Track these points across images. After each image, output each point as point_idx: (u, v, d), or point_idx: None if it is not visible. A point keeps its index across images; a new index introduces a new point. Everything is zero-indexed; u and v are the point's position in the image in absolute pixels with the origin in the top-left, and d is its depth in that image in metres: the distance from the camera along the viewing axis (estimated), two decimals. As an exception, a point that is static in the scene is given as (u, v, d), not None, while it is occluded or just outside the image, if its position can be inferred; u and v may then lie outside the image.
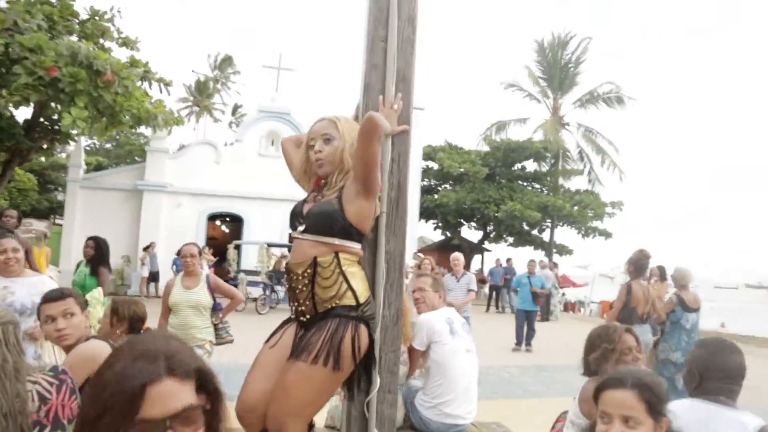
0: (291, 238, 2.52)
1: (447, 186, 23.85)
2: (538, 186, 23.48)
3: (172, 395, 0.99)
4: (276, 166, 17.47)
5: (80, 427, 1.05)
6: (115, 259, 12.25)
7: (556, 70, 22.72)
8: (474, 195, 21.00)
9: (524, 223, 21.63)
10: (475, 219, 24.30)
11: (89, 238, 6.21)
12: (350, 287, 2.22)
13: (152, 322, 3.78)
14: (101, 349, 2.86)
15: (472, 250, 25.87)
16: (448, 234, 25.42)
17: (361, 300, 2.23)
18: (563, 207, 20.41)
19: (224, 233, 22.58)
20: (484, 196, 20.97)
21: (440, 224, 24.75)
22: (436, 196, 22.39)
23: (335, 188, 2.31)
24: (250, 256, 16.20)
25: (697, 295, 6.92)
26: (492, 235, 24.70)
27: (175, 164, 17.09)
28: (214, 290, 4.86)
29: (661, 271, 11.52)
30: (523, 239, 24.16)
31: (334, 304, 2.20)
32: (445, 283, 7.89)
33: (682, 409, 2.33)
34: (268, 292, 14.13)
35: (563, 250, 24.00)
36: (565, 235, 23.86)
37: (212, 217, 18.73)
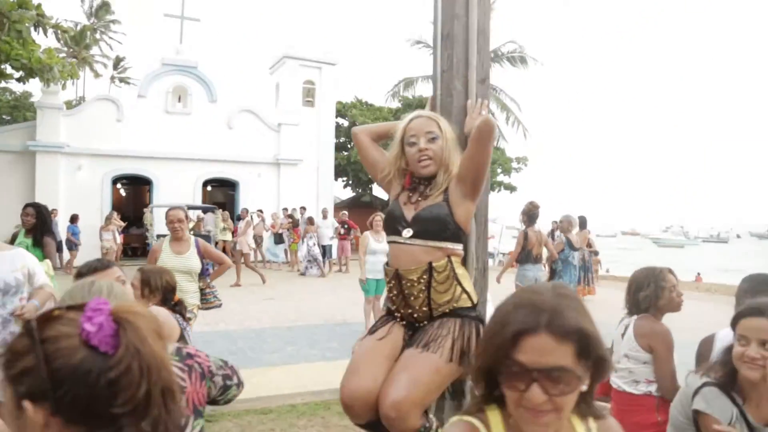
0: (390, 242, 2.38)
1: (357, 143, 23.78)
2: (445, 142, 24.07)
3: (545, 350, 1.00)
4: (185, 123, 16.49)
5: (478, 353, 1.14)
6: (8, 229, 11.00)
7: (462, 28, 23.07)
8: (389, 152, 21.13)
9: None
10: (383, 176, 24.52)
11: (27, 205, 5.50)
12: (464, 290, 2.24)
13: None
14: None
15: (383, 207, 26.24)
16: (360, 191, 25.53)
17: (475, 301, 2.26)
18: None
19: (131, 197, 21.04)
20: (397, 152, 21.19)
21: (350, 182, 24.74)
22: (345, 154, 22.29)
23: (439, 189, 2.26)
24: (162, 220, 15.22)
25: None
26: (400, 192, 25.13)
27: (72, 122, 15.47)
28: (203, 255, 4.68)
29: (582, 220, 12.42)
30: (430, 194, 24.83)
31: (451, 308, 2.20)
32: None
33: (728, 335, 2.63)
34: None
35: (469, 204, 25.02)
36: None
37: (117, 180, 17.33)
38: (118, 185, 19.95)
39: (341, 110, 21.86)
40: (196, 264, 4.53)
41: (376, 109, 22.46)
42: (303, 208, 16.44)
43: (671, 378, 2.92)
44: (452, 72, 2.50)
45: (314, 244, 14.28)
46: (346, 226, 15.20)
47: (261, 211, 16.31)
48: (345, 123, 22.98)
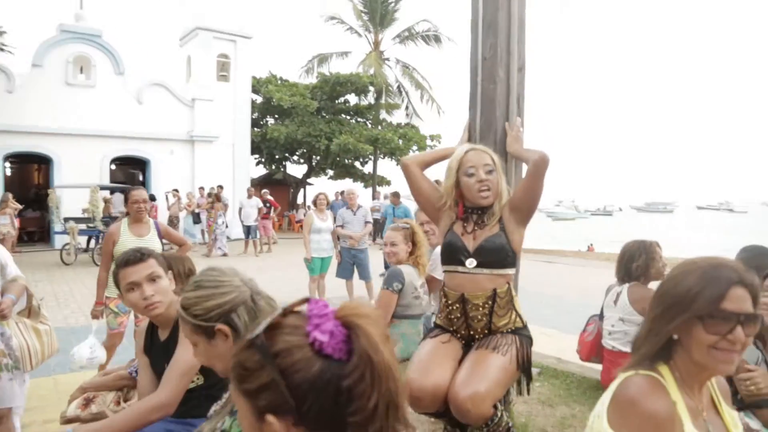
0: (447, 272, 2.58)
1: (271, 120, 23.20)
2: (361, 120, 24.07)
3: (745, 300, 1.24)
4: (89, 96, 15.21)
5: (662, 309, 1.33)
6: None
7: (377, 5, 23.00)
8: (305, 129, 20.80)
9: (351, 156, 22.15)
10: (298, 153, 24.18)
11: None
12: (518, 314, 2.47)
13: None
14: None
15: (297, 184, 25.85)
16: (274, 168, 24.98)
17: (525, 323, 2.49)
18: (392, 140, 21.36)
19: (16, 177, 19.11)
20: (315, 129, 20.90)
21: (264, 159, 24.13)
22: (257, 130, 21.67)
23: (495, 218, 2.43)
24: (67, 202, 14.05)
25: None
26: (314, 170, 24.94)
27: (-48, 94, 13.76)
28: (163, 237, 4.44)
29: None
30: (344, 172, 24.83)
31: (508, 329, 2.43)
32: (342, 216, 7.99)
33: None
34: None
35: (382, 181, 25.29)
36: (384, 166, 25.06)
37: (9, 158, 15.70)
38: (6, 164, 18.13)
39: (255, 86, 21.16)
40: (158, 247, 4.27)
41: (292, 85, 21.95)
42: (220, 187, 15.84)
43: None
44: (495, 60, 2.56)
45: (222, 223, 13.80)
46: (267, 204, 14.85)
47: (176, 190, 15.54)
48: (259, 99, 22.29)
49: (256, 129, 21.74)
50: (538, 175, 2.36)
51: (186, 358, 1.89)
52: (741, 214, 79.18)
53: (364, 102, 23.98)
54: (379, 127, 23.18)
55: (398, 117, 25.00)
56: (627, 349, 3.22)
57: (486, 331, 2.42)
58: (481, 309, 2.39)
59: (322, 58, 24.18)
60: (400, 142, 22.31)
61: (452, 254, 2.44)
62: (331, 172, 25.68)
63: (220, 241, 13.68)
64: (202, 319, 1.41)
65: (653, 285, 3.36)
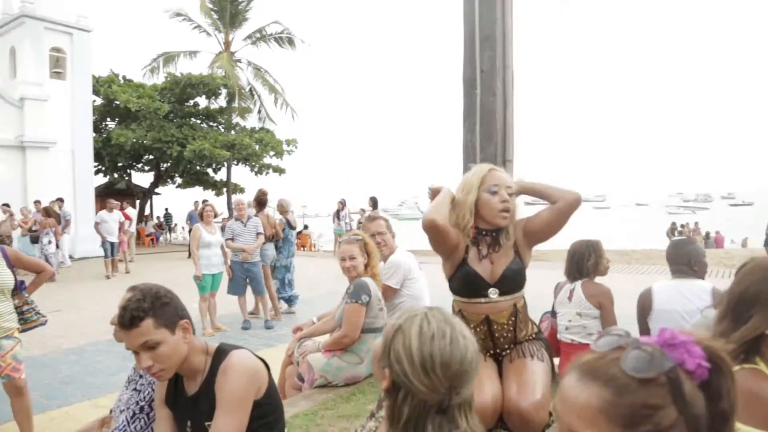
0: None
1: (112, 124, 21.14)
2: (213, 124, 22.94)
3: None
4: None
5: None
6: None
7: (227, 3, 22.08)
8: (155, 134, 19.26)
9: (206, 163, 21.03)
10: (144, 160, 22.37)
11: None
12: (532, 322, 2.62)
13: None
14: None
15: (145, 194, 23.89)
16: (116, 176, 22.80)
17: (538, 327, 2.65)
18: (249, 145, 20.64)
19: None
20: (167, 135, 19.46)
21: (105, 167, 21.91)
22: (97, 135, 19.56)
23: (510, 241, 2.45)
24: None
25: (296, 218, 9.66)
26: (162, 178, 23.28)
27: None
28: (14, 265, 3.65)
29: (373, 201, 13.28)
30: (195, 180, 23.51)
31: (531, 337, 2.54)
32: (231, 228, 7.58)
33: (663, 286, 3.38)
34: None
35: (236, 188, 24.36)
36: (238, 173, 24.17)
37: None
38: None
39: (95, 86, 19.08)
40: (8, 279, 3.54)
41: (138, 85, 20.19)
42: (60, 200, 14.09)
43: (615, 325, 3.55)
44: (494, 72, 2.60)
45: (49, 242, 12.25)
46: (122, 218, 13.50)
47: (7, 205, 13.46)
48: (98, 100, 20.14)
49: (95, 134, 19.61)
50: (567, 214, 2.40)
51: (233, 426, 1.74)
52: (604, 209, 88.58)
53: (215, 105, 22.91)
54: (233, 132, 22.29)
55: (251, 121, 24.28)
56: (586, 341, 3.48)
57: (512, 345, 2.47)
58: (506, 326, 2.45)
59: (169, 58, 22.62)
60: (257, 147, 21.65)
61: (472, 287, 2.42)
62: (179, 180, 24.13)
63: (50, 261, 12.00)
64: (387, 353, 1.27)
65: (599, 280, 3.67)
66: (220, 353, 1.88)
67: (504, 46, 2.65)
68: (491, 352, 2.49)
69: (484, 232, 2.42)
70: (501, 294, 2.41)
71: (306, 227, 24.45)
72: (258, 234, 7.75)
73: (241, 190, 24.60)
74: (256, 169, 23.02)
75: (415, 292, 4.04)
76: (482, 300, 2.41)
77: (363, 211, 16.19)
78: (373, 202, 13.32)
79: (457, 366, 1.19)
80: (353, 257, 3.59)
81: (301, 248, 22.89)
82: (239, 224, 7.69)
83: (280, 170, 23.98)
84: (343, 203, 16.96)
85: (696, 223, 26.75)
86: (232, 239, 7.51)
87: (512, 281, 2.43)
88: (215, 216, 7.93)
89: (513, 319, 2.45)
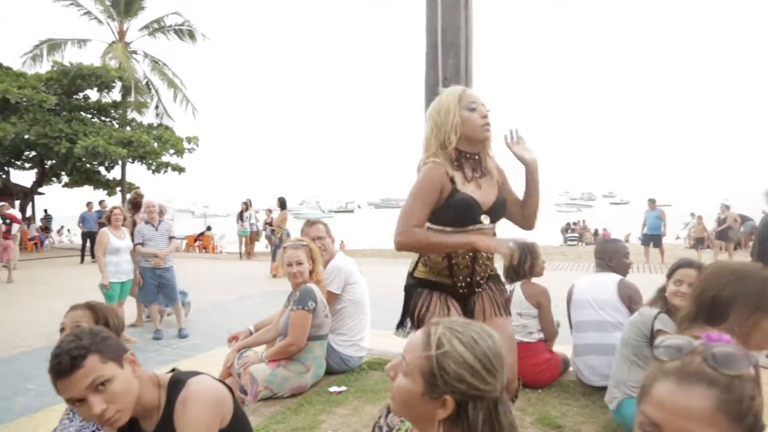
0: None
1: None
2: (106, 119, 21.42)
3: None
4: None
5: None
6: None
7: (122, -10, 20.70)
8: (39, 128, 17.62)
9: (99, 161, 19.58)
10: (25, 157, 20.43)
11: None
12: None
13: None
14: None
15: (26, 194, 21.81)
16: (-7, 175, 20.64)
17: None
18: (148, 142, 19.49)
19: None
20: (53, 129, 17.88)
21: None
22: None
23: (492, 172, 2.40)
24: None
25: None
26: (46, 177, 21.39)
27: None
28: None
29: (281, 201, 13.06)
30: (84, 179, 21.85)
31: (492, 271, 2.50)
32: (141, 232, 7.14)
33: (583, 280, 3.71)
34: None
35: (131, 188, 22.94)
36: (133, 171, 22.74)
37: None
38: None
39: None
40: None
41: (19, 74, 18.35)
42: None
43: (552, 323, 3.75)
44: (457, 80, 2.63)
45: None
46: (8, 220, 12.26)
47: None
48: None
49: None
50: (517, 222, 2.53)
51: None
52: None
53: (108, 99, 21.38)
54: (128, 128, 20.94)
55: (148, 117, 22.93)
56: (527, 339, 3.63)
57: (486, 275, 2.41)
58: (486, 256, 2.37)
59: (54, 45, 20.79)
60: (156, 144, 20.49)
61: (467, 214, 2.27)
62: (66, 179, 22.29)
63: None
64: (443, 375, 1.20)
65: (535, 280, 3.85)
66: (176, 384, 1.71)
67: (467, 53, 2.70)
68: (463, 282, 2.35)
69: (467, 155, 2.32)
70: (491, 221, 2.35)
71: (209, 228, 23.58)
72: (171, 238, 7.36)
73: (137, 189, 23.18)
74: (153, 168, 21.75)
75: (356, 296, 4.00)
76: (476, 227, 2.29)
77: (269, 211, 15.82)
78: (281, 203, 13.06)
79: (503, 352, 1.23)
80: (300, 262, 3.50)
81: (203, 250, 22.02)
82: (150, 228, 7.24)
83: (179, 169, 22.80)
84: (247, 204, 16.51)
85: (584, 221, 28.88)
86: (142, 244, 7.06)
87: (501, 210, 2.39)
88: (125, 220, 7.39)
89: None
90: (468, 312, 2.39)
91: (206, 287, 10.49)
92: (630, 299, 3.43)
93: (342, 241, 24.72)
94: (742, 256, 14.56)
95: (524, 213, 2.46)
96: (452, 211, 2.26)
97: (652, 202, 14.66)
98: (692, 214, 19.69)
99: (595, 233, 24.49)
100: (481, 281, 2.41)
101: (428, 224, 2.29)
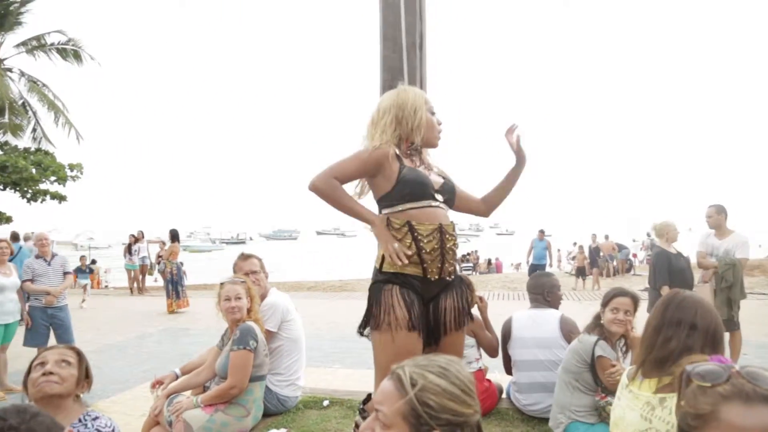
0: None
1: None
2: (-29, 141, 19.32)
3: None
4: None
5: None
6: None
7: (-5, 2, 18.95)
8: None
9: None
10: None
11: None
12: None
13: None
14: None
15: None
16: None
17: None
18: (25, 167, 17.79)
19: None
20: None
21: None
22: None
23: (435, 166, 2.55)
24: None
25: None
26: None
27: None
28: None
29: (173, 233, 12.47)
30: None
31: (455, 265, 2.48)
32: (31, 267, 6.52)
33: (520, 315, 3.82)
34: None
35: (2, 217, 20.75)
36: (4, 199, 20.58)
37: None
38: None
39: None
40: None
41: None
42: None
43: (491, 341, 3.83)
44: (414, 79, 2.71)
45: None
46: None
47: None
48: None
49: None
50: (475, 213, 2.68)
51: None
52: (351, 237, 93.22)
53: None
54: (1, 151, 19.02)
55: (24, 141, 20.93)
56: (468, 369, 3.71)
57: (454, 264, 2.40)
58: (453, 239, 2.37)
59: None
60: (33, 170, 18.77)
61: (423, 186, 2.33)
62: None
63: None
64: (428, 411, 1.17)
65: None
66: None
67: (422, 53, 2.82)
68: (433, 269, 2.30)
69: (414, 151, 2.46)
70: (444, 202, 2.41)
71: (93, 262, 21.75)
72: (65, 273, 6.74)
73: (8, 219, 20.98)
74: (29, 196, 19.84)
75: (293, 334, 3.88)
76: (432, 203, 2.33)
77: (163, 243, 14.97)
78: (172, 235, 12.45)
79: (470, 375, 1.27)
80: (239, 297, 3.35)
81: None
82: (41, 262, 6.61)
83: (60, 197, 20.97)
84: (136, 236, 15.52)
85: (476, 251, 30.20)
86: (31, 280, 6.39)
87: (451, 193, 2.47)
88: (12, 254, 6.65)
89: (455, 234, 2.42)
90: (435, 317, 2.37)
91: (100, 327, 9.67)
92: (570, 336, 3.53)
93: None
94: (619, 282, 15.94)
95: (492, 200, 2.64)
96: (408, 185, 2.30)
97: (541, 232, 15.30)
98: (574, 244, 21.25)
99: (489, 263, 25.68)
100: (452, 271, 2.39)
101: (383, 210, 2.38)
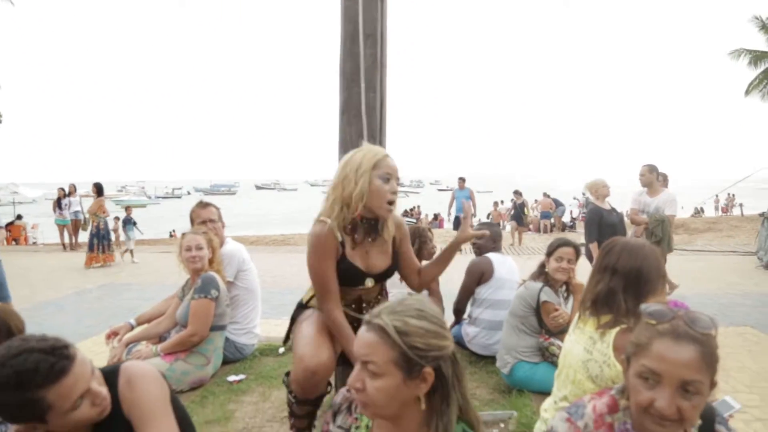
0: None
1: None
2: None
3: None
4: None
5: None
6: None
7: None
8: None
9: None
10: None
11: None
12: None
13: None
14: None
15: None
16: None
17: None
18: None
19: None
20: None
21: None
22: None
23: (388, 236, 2.45)
24: None
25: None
26: None
27: None
28: None
29: (98, 187, 12.05)
30: None
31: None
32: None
33: (499, 260, 4.01)
34: None
35: None
36: None
37: None
38: None
39: None
40: None
41: None
42: None
43: (441, 300, 3.99)
44: (375, 70, 2.70)
45: None
46: None
47: None
48: None
49: None
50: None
51: None
52: (292, 191, 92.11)
53: None
54: None
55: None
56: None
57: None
58: (374, 300, 2.52)
59: None
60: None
61: (350, 279, 2.39)
62: None
63: None
64: (417, 353, 1.28)
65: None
66: (108, 374, 1.61)
67: (383, 44, 2.81)
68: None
69: (366, 219, 2.33)
70: (375, 282, 2.46)
71: (19, 217, 20.65)
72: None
73: None
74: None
75: (248, 284, 3.92)
76: (358, 287, 2.42)
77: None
78: (98, 188, 12.00)
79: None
80: (200, 247, 3.36)
81: (13, 242, 19.24)
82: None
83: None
84: (65, 190, 14.79)
85: (419, 207, 30.70)
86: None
87: (388, 275, 2.51)
88: None
89: (382, 292, 2.58)
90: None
91: (34, 284, 9.30)
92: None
93: (174, 230, 23.25)
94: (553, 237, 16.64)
95: (424, 277, 2.60)
96: (341, 273, 2.34)
97: (461, 180, 13.66)
98: (501, 202, 22.04)
99: (435, 217, 26.21)
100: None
101: None
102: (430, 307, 1.33)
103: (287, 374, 2.44)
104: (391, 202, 2.28)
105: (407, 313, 1.29)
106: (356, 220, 2.31)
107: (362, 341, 1.28)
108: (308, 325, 2.41)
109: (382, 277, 2.48)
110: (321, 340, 2.31)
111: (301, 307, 2.56)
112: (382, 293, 2.58)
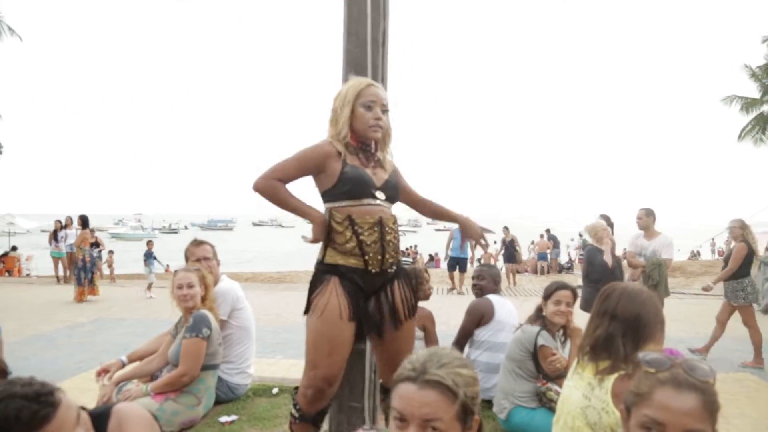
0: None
1: None
2: None
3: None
4: None
5: None
6: None
7: None
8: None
9: None
10: None
11: None
12: None
13: None
14: None
15: None
16: None
17: None
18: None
19: None
20: None
21: None
22: None
23: (388, 161, 2.53)
24: None
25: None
26: None
27: None
28: None
29: (83, 219, 12.02)
30: None
31: (398, 261, 2.54)
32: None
33: (499, 301, 3.99)
34: None
35: None
36: None
37: None
38: None
39: None
40: None
41: None
42: None
43: (437, 344, 3.98)
44: (376, 76, 2.78)
45: None
46: None
47: None
48: None
49: None
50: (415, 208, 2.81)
51: None
52: (289, 228, 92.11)
53: None
54: None
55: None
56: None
57: (395, 256, 2.45)
58: (393, 232, 2.43)
59: None
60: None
61: (361, 186, 2.36)
62: None
63: None
64: (473, 403, 1.28)
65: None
66: (98, 417, 1.57)
67: (384, 50, 2.90)
68: (374, 263, 2.37)
69: (363, 146, 2.45)
70: (386, 200, 2.44)
71: (14, 248, 20.55)
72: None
73: None
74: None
75: (242, 322, 3.88)
76: (372, 201, 2.37)
77: (92, 231, 14.33)
78: (83, 220, 12.01)
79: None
80: (192, 285, 3.33)
81: (6, 273, 19.10)
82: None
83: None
84: (63, 223, 14.78)
85: (415, 246, 30.65)
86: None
87: (394, 190, 2.49)
88: None
89: (395, 226, 2.48)
90: (380, 309, 2.43)
91: (26, 317, 9.19)
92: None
93: (168, 265, 23.09)
94: (553, 279, 16.59)
95: (428, 208, 2.81)
96: (348, 183, 2.34)
97: None
98: (494, 242, 21.91)
99: (431, 257, 26.09)
100: (393, 263, 2.45)
101: (325, 205, 2.41)
102: (459, 354, 1.36)
103: (296, 388, 2.46)
104: (375, 125, 2.40)
105: (454, 364, 1.28)
106: (352, 145, 2.42)
107: (421, 401, 1.22)
108: (318, 338, 2.34)
109: (388, 191, 2.44)
110: (340, 351, 2.33)
111: (321, 266, 2.42)
112: (395, 222, 2.49)
